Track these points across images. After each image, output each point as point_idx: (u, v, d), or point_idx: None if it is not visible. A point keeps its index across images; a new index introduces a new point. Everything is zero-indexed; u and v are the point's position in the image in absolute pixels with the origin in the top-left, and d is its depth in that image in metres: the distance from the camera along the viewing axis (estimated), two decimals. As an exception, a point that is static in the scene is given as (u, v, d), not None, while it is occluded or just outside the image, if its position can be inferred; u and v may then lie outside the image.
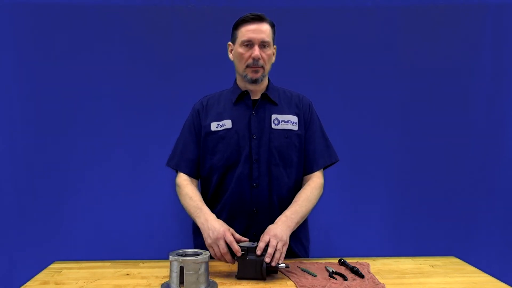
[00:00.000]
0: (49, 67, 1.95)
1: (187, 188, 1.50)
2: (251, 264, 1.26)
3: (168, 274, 1.21)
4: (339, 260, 1.42)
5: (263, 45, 1.46)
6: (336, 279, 1.27)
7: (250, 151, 1.48)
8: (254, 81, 1.49)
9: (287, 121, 1.52)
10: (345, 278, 1.27)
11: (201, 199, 1.48)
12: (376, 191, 2.06)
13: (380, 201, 2.06)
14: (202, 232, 1.37)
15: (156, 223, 2.01)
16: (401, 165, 2.06)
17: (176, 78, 2.00)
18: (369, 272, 1.33)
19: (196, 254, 1.21)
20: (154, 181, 1.99)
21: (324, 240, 2.01)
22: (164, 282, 1.24)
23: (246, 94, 1.54)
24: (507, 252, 2.08)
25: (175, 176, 1.58)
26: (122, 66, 1.98)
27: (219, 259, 1.33)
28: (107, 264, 1.45)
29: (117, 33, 1.97)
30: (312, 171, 1.55)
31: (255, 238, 1.36)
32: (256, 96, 1.55)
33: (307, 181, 1.54)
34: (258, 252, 1.25)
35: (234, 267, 1.36)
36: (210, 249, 1.32)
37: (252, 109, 1.52)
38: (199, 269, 1.17)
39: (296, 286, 1.21)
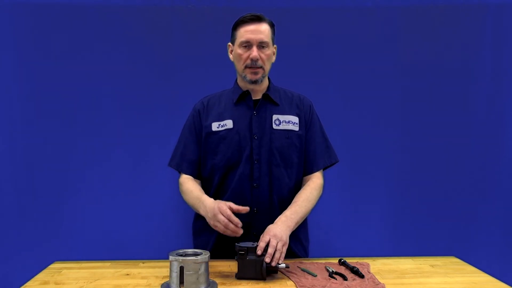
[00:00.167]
0: (49, 67, 1.95)
1: (188, 184, 1.51)
2: (251, 264, 1.26)
3: (168, 274, 1.21)
4: (339, 260, 1.42)
5: (261, 45, 1.46)
6: (336, 279, 1.27)
7: (251, 152, 1.48)
8: (254, 82, 1.49)
9: (288, 122, 1.52)
10: (345, 278, 1.27)
11: (201, 189, 1.49)
12: (376, 191, 2.06)
13: (380, 201, 2.06)
14: (206, 218, 1.37)
15: (156, 223, 2.01)
16: (401, 165, 2.06)
17: (176, 78, 2.00)
18: (369, 272, 1.33)
19: (196, 254, 1.21)
20: (154, 181, 2.00)
21: (324, 240, 2.01)
22: (164, 282, 1.24)
23: (247, 94, 1.54)
24: (507, 252, 2.08)
25: (178, 177, 1.59)
26: (122, 66, 1.98)
27: (229, 235, 1.32)
28: (107, 264, 1.45)
29: (117, 33, 1.97)
30: (312, 171, 1.55)
31: (255, 238, 1.36)
32: (257, 96, 1.55)
33: (307, 181, 1.54)
34: (259, 252, 1.25)
35: (234, 267, 1.36)
36: (216, 228, 1.33)
37: (253, 109, 1.52)
38: (199, 269, 1.17)
39: (296, 286, 1.21)
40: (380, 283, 1.24)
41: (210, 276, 1.26)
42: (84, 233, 1.98)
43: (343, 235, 2.06)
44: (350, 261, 1.42)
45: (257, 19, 1.46)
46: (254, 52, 1.45)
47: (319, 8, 2.01)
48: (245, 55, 1.47)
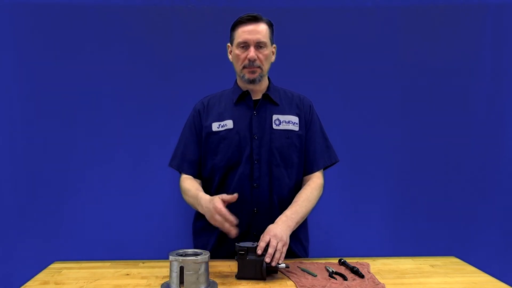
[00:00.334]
0: (49, 67, 1.95)
1: (185, 183, 1.51)
2: (251, 264, 1.26)
3: (168, 274, 1.21)
4: (339, 260, 1.42)
5: (259, 45, 1.46)
6: (336, 279, 1.27)
7: (251, 152, 1.48)
8: (252, 82, 1.49)
9: (288, 122, 1.52)
10: (345, 278, 1.27)
11: (198, 187, 1.48)
12: (376, 191, 2.06)
13: (380, 201, 2.06)
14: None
15: (156, 223, 2.01)
16: (401, 165, 2.06)
17: (176, 78, 2.00)
18: (369, 272, 1.33)
19: (196, 254, 1.21)
20: (154, 181, 2.00)
21: (324, 240, 2.01)
22: (164, 282, 1.24)
23: (247, 94, 1.54)
24: (507, 252, 2.08)
25: (179, 177, 1.59)
26: (122, 66, 1.98)
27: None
28: (107, 264, 1.45)
29: (117, 33, 1.97)
30: (312, 171, 1.55)
31: (255, 238, 1.36)
32: (257, 96, 1.55)
33: (307, 181, 1.54)
34: (259, 251, 1.25)
35: (234, 267, 1.36)
36: (215, 224, 1.32)
37: (253, 109, 1.52)
38: (199, 269, 1.17)
39: (296, 286, 1.21)
40: (380, 283, 1.24)
41: (210, 276, 1.26)
42: (84, 233, 1.98)
43: (343, 235, 2.06)
44: (350, 261, 1.42)
45: (254, 19, 1.46)
46: (251, 52, 1.45)
47: (319, 8, 2.01)
48: (243, 55, 1.47)
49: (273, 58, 1.55)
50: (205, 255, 1.20)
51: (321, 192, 1.54)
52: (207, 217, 1.34)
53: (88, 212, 1.98)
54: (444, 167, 2.06)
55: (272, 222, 1.36)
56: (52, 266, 1.43)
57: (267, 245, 1.27)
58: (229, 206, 1.42)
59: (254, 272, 1.26)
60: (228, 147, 1.49)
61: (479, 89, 2.05)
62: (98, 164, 1.98)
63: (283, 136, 1.50)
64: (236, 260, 1.28)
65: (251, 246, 1.27)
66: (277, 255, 1.26)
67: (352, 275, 1.31)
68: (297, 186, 1.54)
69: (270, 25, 1.51)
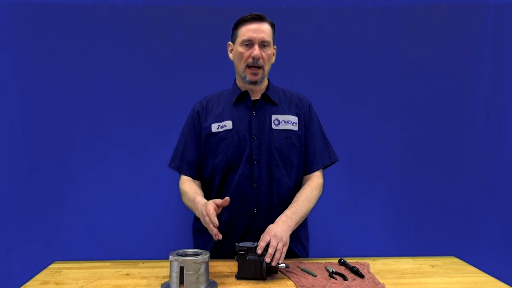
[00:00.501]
0: (49, 67, 1.95)
1: (184, 186, 1.52)
2: (251, 264, 1.26)
3: (168, 274, 1.21)
4: (339, 260, 1.42)
5: (263, 44, 1.46)
6: (336, 279, 1.27)
7: (251, 152, 1.48)
8: (253, 83, 1.49)
9: (287, 122, 1.52)
10: (345, 278, 1.27)
11: (196, 190, 1.48)
12: (376, 191, 2.06)
13: (380, 201, 2.06)
14: None
15: (156, 223, 2.01)
16: (401, 165, 2.06)
17: (176, 78, 2.00)
18: (369, 272, 1.33)
19: (196, 254, 1.21)
20: (154, 181, 2.00)
21: (324, 240, 2.01)
22: (164, 282, 1.24)
23: (246, 94, 1.54)
24: (507, 252, 2.08)
25: (179, 177, 1.59)
26: (122, 66, 1.98)
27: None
28: (107, 264, 1.45)
29: (117, 33, 1.97)
30: (311, 171, 1.55)
31: (255, 238, 1.36)
32: (256, 96, 1.55)
33: (306, 181, 1.54)
34: (259, 251, 1.25)
35: (234, 267, 1.36)
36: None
37: (253, 110, 1.52)
38: (199, 269, 1.17)
39: (296, 286, 1.21)
40: (380, 283, 1.24)
41: (210, 276, 1.26)
42: (84, 233, 1.98)
43: (343, 235, 2.06)
44: (350, 261, 1.42)
45: (259, 18, 1.46)
46: (256, 50, 1.44)
47: (319, 8, 2.01)
48: (247, 53, 1.46)
49: (273, 59, 1.55)
50: (205, 255, 1.20)
51: (321, 191, 1.54)
52: (201, 220, 1.35)
53: (88, 212, 1.98)
54: (444, 167, 2.06)
55: (272, 222, 1.36)
56: (52, 266, 1.43)
57: (267, 245, 1.27)
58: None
59: (254, 272, 1.26)
60: (227, 148, 1.49)
61: (479, 89, 2.05)
62: (98, 164, 1.98)
63: (282, 136, 1.50)
64: (236, 260, 1.28)
65: (251, 246, 1.27)
66: (277, 255, 1.26)
67: (352, 275, 1.31)
68: (297, 186, 1.54)
69: (273, 26, 1.51)
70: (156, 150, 1.97)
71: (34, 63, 1.95)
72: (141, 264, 1.44)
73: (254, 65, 1.46)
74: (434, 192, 2.06)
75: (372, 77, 2.04)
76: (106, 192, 1.99)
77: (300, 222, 1.43)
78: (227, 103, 1.55)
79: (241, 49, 1.47)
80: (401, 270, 1.38)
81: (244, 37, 1.46)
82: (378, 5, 2.02)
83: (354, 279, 1.27)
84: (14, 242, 1.96)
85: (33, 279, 1.30)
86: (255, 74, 1.48)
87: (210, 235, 1.46)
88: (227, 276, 1.30)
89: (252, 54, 1.45)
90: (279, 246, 1.27)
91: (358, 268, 1.33)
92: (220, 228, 1.30)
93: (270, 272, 1.28)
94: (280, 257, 1.26)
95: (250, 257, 1.26)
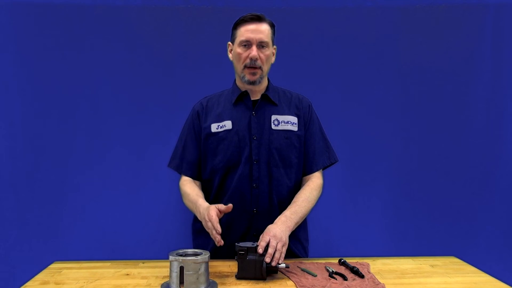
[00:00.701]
0: (49, 67, 1.95)
1: (185, 187, 1.52)
2: (251, 264, 1.26)
3: (168, 274, 1.21)
4: (339, 260, 1.42)
5: (261, 45, 1.46)
6: (336, 279, 1.27)
7: (251, 152, 1.48)
8: (252, 83, 1.49)
9: (287, 122, 1.52)
10: (345, 278, 1.27)
11: (198, 192, 1.49)
12: (376, 191, 2.06)
13: (380, 201, 2.06)
14: None
15: (156, 223, 2.01)
16: (401, 165, 2.06)
17: (176, 78, 2.00)
18: (369, 272, 1.33)
19: (196, 254, 1.21)
20: (154, 181, 2.00)
21: (324, 240, 2.01)
22: (164, 282, 1.24)
23: (245, 94, 1.54)
24: (507, 252, 2.08)
25: (178, 177, 1.59)
26: (122, 66, 1.98)
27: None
28: (107, 264, 1.45)
29: (117, 33, 1.97)
30: (311, 171, 1.55)
31: (255, 238, 1.36)
32: (256, 97, 1.55)
33: (306, 181, 1.54)
34: (260, 250, 1.25)
35: (234, 267, 1.36)
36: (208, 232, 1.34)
37: (252, 110, 1.52)
38: (199, 269, 1.17)
39: (296, 286, 1.21)
40: (380, 283, 1.24)
41: (210, 276, 1.26)
42: (84, 233, 1.98)
43: (343, 235, 2.06)
44: (350, 261, 1.42)
45: (258, 19, 1.46)
46: (254, 51, 1.44)
47: (319, 8, 2.01)
48: (245, 54, 1.46)
49: (273, 59, 1.55)
50: (205, 255, 1.20)
51: (321, 192, 1.54)
52: (203, 223, 1.36)
53: (88, 212, 1.98)
54: (444, 167, 2.06)
55: (272, 222, 1.36)
56: (52, 266, 1.43)
57: (267, 245, 1.27)
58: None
59: (254, 272, 1.26)
60: (227, 148, 1.49)
61: (479, 89, 2.05)
62: (98, 164, 1.98)
63: (282, 136, 1.50)
64: (236, 260, 1.28)
65: (251, 246, 1.27)
66: (277, 255, 1.26)
67: (352, 275, 1.31)
68: (297, 186, 1.54)
69: (272, 26, 1.51)
70: (156, 150, 1.97)
71: (34, 63, 1.94)
72: (141, 264, 1.44)
73: (252, 66, 1.46)
74: (434, 192, 2.06)
75: (372, 77, 2.04)
76: (106, 192, 1.99)
77: (300, 223, 1.43)
78: (227, 103, 1.55)
79: (239, 49, 1.47)
80: (401, 270, 1.38)
81: (242, 38, 1.46)
82: (378, 5, 2.02)
83: (354, 279, 1.27)
84: (14, 242, 1.96)
85: (33, 279, 1.30)
86: (254, 74, 1.47)
87: (210, 235, 1.47)
88: (227, 276, 1.30)
89: (250, 55, 1.45)
90: (279, 246, 1.27)
91: (358, 268, 1.33)
92: (219, 228, 1.30)
93: (270, 272, 1.28)
94: (280, 257, 1.26)
95: (250, 257, 1.26)
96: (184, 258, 1.16)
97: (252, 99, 1.54)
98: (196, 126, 1.56)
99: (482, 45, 2.04)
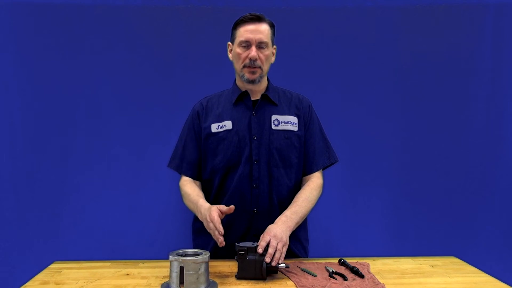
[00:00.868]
0: (49, 67, 1.95)
1: (186, 187, 1.52)
2: (251, 264, 1.26)
3: (168, 274, 1.21)
4: (339, 260, 1.42)
5: (260, 45, 1.46)
6: (336, 279, 1.27)
7: (251, 152, 1.48)
8: (251, 82, 1.49)
9: (287, 122, 1.52)
10: (345, 278, 1.27)
11: (198, 193, 1.49)
12: (376, 191, 2.06)
13: (380, 201, 2.06)
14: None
15: (156, 223, 2.01)
16: (401, 165, 2.06)
17: (176, 78, 2.00)
18: (369, 272, 1.33)
19: (196, 254, 1.21)
20: (154, 181, 2.00)
21: (324, 240, 2.01)
22: (164, 282, 1.24)
23: (246, 94, 1.54)
24: (507, 252, 2.08)
25: (178, 177, 1.59)
26: (122, 66, 1.98)
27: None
28: (107, 264, 1.45)
29: (117, 33, 1.97)
30: (311, 171, 1.55)
31: (255, 238, 1.36)
32: (256, 97, 1.55)
33: (306, 181, 1.54)
34: (260, 250, 1.25)
35: (234, 267, 1.36)
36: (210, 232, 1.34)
37: (252, 110, 1.52)
38: (199, 269, 1.17)
39: (296, 286, 1.21)
40: (380, 283, 1.24)
41: (210, 276, 1.26)
42: (84, 233, 1.98)
43: (343, 235, 2.06)
44: (350, 261, 1.42)
45: (257, 19, 1.46)
46: (253, 51, 1.45)
47: (319, 8, 2.01)
48: (244, 54, 1.46)
49: (273, 59, 1.55)
50: (205, 255, 1.20)
51: (321, 192, 1.54)
52: (204, 224, 1.36)
53: (88, 212, 1.98)
54: (444, 167, 2.06)
55: (272, 222, 1.36)
56: (52, 266, 1.43)
57: (267, 245, 1.27)
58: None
59: (254, 272, 1.26)
60: (227, 148, 1.49)
61: (479, 89, 2.05)
62: (98, 164, 1.98)
63: (282, 136, 1.50)
64: (236, 260, 1.28)
65: (251, 246, 1.27)
66: (277, 255, 1.26)
67: (352, 275, 1.31)
68: (297, 186, 1.54)
69: (272, 26, 1.51)
70: (156, 150, 1.97)
71: (34, 63, 1.94)
72: (141, 264, 1.44)
73: (251, 66, 1.46)
74: (434, 192, 2.06)
75: (372, 77, 2.04)
76: (106, 192, 1.99)
77: (300, 223, 1.43)
78: (227, 103, 1.55)
79: (238, 49, 1.47)
80: (401, 270, 1.38)
81: (242, 38, 1.46)
82: (378, 5, 2.02)
83: (354, 279, 1.27)
84: (14, 242, 1.96)
85: (33, 279, 1.30)
86: (253, 73, 1.48)
87: (210, 235, 1.46)
88: (227, 276, 1.30)
89: (249, 56, 1.45)
90: (279, 246, 1.27)
91: (358, 268, 1.33)
92: (219, 228, 1.30)
93: (270, 272, 1.28)
94: (280, 257, 1.26)
95: (250, 257, 1.26)
96: (184, 258, 1.17)
97: (252, 99, 1.54)
98: (196, 126, 1.56)
99: (482, 45, 2.04)
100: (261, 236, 1.30)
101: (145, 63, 1.99)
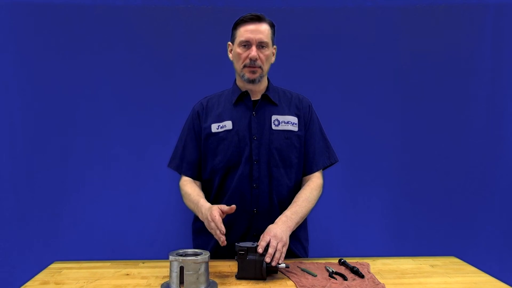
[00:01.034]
0: (49, 67, 1.95)
1: (186, 187, 1.52)
2: (251, 264, 1.26)
3: (168, 274, 1.21)
4: (339, 260, 1.42)
5: (261, 45, 1.46)
6: (336, 279, 1.27)
7: (251, 152, 1.48)
8: (252, 82, 1.49)
9: (287, 122, 1.52)
10: (345, 278, 1.27)
11: (199, 193, 1.49)
12: (376, 191, 2.06)
13: (380, 201, 2.06)
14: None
15: (156, 223, 2.01)
16: (401, 165, 2.06)
17: (176, 78, 2.00)
18: (369, 272, 1.33)
19: (196, 254, 1.21)
20: (154, 181, 2.00)
21: (324, 240, 2.01)
22: (164, 282, 1.24)
23: (246, 95, 1.54)
24: (507, 252, 2.08)
25: (179, 177, 1.59)
26: (122, 66, 1.98)
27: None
28: (107, 264, 1.45)
29: (117, 33, 1.97)
30: (311, 171, 1.55)
31: (255, 238, 1.36)
32: (256, 97, 1.55)
33: (306, 181, 1.54)
34: (260, 250, 1.25)
35: (234, 267, 1.36)
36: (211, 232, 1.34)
37: (253, 110, 1.52)
38: (199, 269, 1.17)
39: (296, 286, 1.21)
40: (380, 283, 1.24)
41: (210, 276, 1.26)
42: (84, 233, 1.98)
43: (343, 235, 2.06)
44: (350, 261, 1.42)
45: (257, 19, 1.46)
46: (253, 51, 1.45)
47: (319, 8, 2.01)
48: (244, 54, 1.47)
49: (273, 59, 1.55)
50: (205, 255, 1.20)
51: (321, 192, 1.54)
52: (205, 224, 1.36)
53: (88, 212, 1.98)
54: (444, 167, 2.06)
55: (272, 222, 1.36)
56: (52, 266, 1.43)
57: (267, 245, 1.27)
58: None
59: (254, 272, 1.26)
60: (227, 148, 1.49)
61: (479, 89, 2.05)
62: (98, 164, 1.98)
63: (282, 136, 1.50)
64: (236, 260, 1.28)
65: (251, 246, 1.27)
66: (277, 255, 1.26)
67: (352, 275, 1.31)
68: (297, 186, 1.54)
69: (272, 26, 1.51)
70: (156, 150, 1.97)
71: (34, 63, 1.94)
72: (141, 264, 1.44)
73: (252, 66, 1.46)
74: (434, 192, 2.06)
75: (372, 77, 2.04)
76: (106, 192, 1.99)
77: (300, 223, 1.43)
78: (227, 103, 1.55)
79: (239, 49, 1.47)
80: (401, 270, 1.38)
81: (242, 38, 1.46)
82: (378, 5, 2.02)
83: (354, 279, 1.27)
84: (14, 242, 1.96)
85: (33, 279, 1.30)
86: (254, 72, 1.47)
87: (210, 235, 1.47)
88: (227, 276, 1.30)
89: (250, 56, 1.45)
90: (279, 246, 1.27)
91: (358, 268, 1.33)
92: (220, 229, 1.30)
93: (270, 272, 1.28)
94: (280, 257, 1.26)
95: (250, 257, 1.26)
96: (184, 258, 1.17)
97: (252, 99, 1.54)
98: (196, 126, 1.56)
99: (482, 45, 2.04)
100: (261, 236, 1.30)
101: (145, 63, 1.99)
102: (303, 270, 1.34)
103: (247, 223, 1.49)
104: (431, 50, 2.04)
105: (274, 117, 1.52)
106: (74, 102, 1.97)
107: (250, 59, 1.45)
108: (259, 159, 1.48)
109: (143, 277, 1.31)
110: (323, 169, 1.59)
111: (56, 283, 1.26)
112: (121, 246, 1.98)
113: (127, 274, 1.34)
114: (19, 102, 1.95)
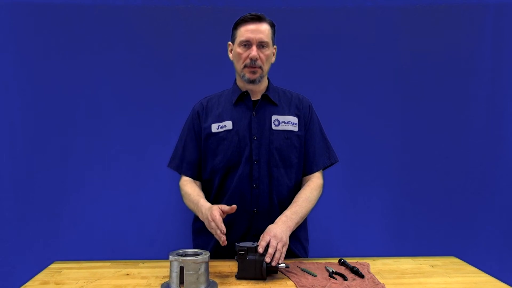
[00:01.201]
0: (49, 67, 1.95)
1: (186, 187, 1.52)
2: (251, 264, 1.26)
3: (168, 274, 1.21)
4: (339, 260, 1.42)
5: (261, 45, 1.46)
6: (336, 279, 1.27)
7: (251, 152, 1.48)
8: (252, 82, 1.49)
9: (287, 122, 1.52)
10: (345, 278, 1.27)
11: (199, 193, 1.49)
12: (376, 191, 2.06)
13: (380, 201, 2.06)
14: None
15: (156, 223, 2.01)
16: (401, 165, 2.06)
17: (176, 78, 2.00)
18: (369, 272, 1.33)
19: (196, 254, 1.21)
20: (154, 181, 2.00)
21: (324, 240, 2.01)
22: (164, 282, 1.24)
23: (246, 94, 1.54)
24: (507, 252, 2.08)
25: (179, 178, 1.59)
26: (122, 66, 1.98)
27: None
28: (107, 264, 1.45)
29: (117, 33, 1.97)
30: (311, 171, 1.55)
31: (255, 238, 1.36)
32: (256, 97, 1.55)
33: (306, 181, 1.54)
34: (260, 250, 1.25)
35: (234, 267, 1.36)
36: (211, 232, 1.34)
37: (253, 110, 1.52)
38: (199, 269, 1.17)
39: (296, 286, 1.21)
40: (380, 283, 1.24)
41: (210, 276, 1.26)
42: (84, 233, 1.98)
43: (343, 235, 2.06)
44: (350, 261, 1.42)
45: (258, 18, 1.46)
46: (254, 51, 1.45)
47: (319, 8, 2.01)
48: (245, 54, 1.47)
49: (273, 59, 1.55)
50: (205, 255, 1.20)
51: (321, 192, 1.54)
52: (205, 223, 1.36)
53: (88, 212, 1.98)
54: (444, 167, 2.06)
55: (272, 222, 1.36)
56: (52, 266, 1.43)
57: (267, 245, 1.27)
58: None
59: (254, 272, 1.26)
60: (227, 148, 1.49)
61: (479, 89, 2.05)
62: (98, 164, 1.98)
63: (282, 136, 1.50)
64: (236, 260, 1.28)
65: (251, 246, 1.27)
66: (277, 255, 1.26)
67: (352, 275, 1.31)
68: (297, 187, 1.54)
69: (273, 26, 1.51)
70: (156, 150, 1.97)
71: (34, 63, 1.94)
72: (141, 264, 1.44)
73: (252, 65, 1.46)
74: (434, 192, 2.06)
75: (372, 77, 2.04)
76: (106, 192, 1.99)
77: (300, 223, 1.43)
78: (227, 103, 1.55)
79: (239, 49, 1.47)
80: (401, 270, 1.38)
81: (242, 38, 1.46)
82: (378, 5, 2.02)
83: (354, 279, 1.27)
84: (14, 242, 1.96)
85: (33, 279, 1.30)
86: (254, 73, 1.47)
87: (210, 235, 1.47)
88: (227, 276, 1.30)
89: (250, 55, 1.45)
90: (279, 246, 1.27)
91: (358, 268, 1.33)
92: (220, 229, 1.30)
93: (270, 272, 1.28)
94: (280, 257, 1.26)
95: (250, 257, 1.26)
96: (184, 258, 1.17)
97: (252, 99, 1.54)
98: (196, 126, 1.56)
99: (482, 45, 2.04)
100: (261, 236, 1.30)
101: (145, 63, 1.99)
102: (303, 270, 1.34)
103: (247, 223, 1.49)
104: (431, 50, 2.04)
105: (274, 117, 1.52)
106: (74, 102, 1.97)
107: (251, 59, 1.45)
108: (259, 159, 1.48)
109: (143, 277, 1.31)
110: (323, 169, 1.59)
111: (56, 283, 1.26)
112: (121, 246, 1.98)
113: (127, 274, 1.34)
114: (19, 102, 1.95)
